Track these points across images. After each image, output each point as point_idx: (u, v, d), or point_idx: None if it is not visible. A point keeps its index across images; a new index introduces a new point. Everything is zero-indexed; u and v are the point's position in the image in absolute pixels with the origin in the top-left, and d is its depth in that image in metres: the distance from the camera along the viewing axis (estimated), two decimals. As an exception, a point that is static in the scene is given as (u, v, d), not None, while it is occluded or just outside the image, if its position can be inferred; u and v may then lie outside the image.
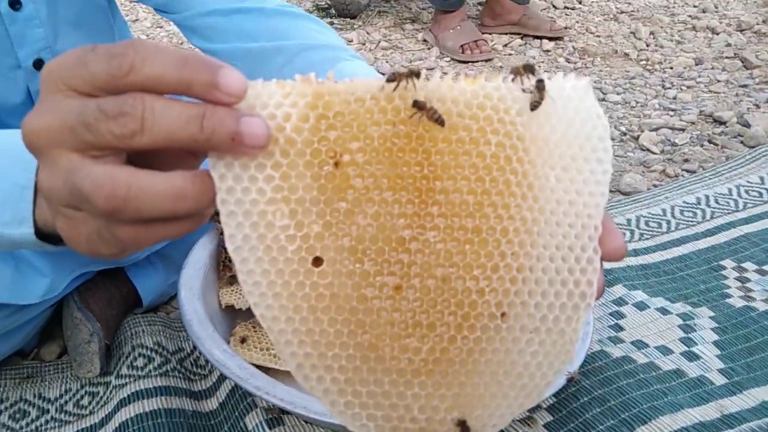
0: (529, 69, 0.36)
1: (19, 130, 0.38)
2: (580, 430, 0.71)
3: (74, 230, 0.34)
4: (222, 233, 0.81)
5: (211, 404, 0.77)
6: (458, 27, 2.25)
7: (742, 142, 1.47)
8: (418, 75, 0.35)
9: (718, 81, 1.93)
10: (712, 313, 0.89)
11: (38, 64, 0.75)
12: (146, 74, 0.31)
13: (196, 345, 0.67)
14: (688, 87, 1.90)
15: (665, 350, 0.82)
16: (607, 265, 0.99)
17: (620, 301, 0.91)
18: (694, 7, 2.95)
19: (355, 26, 2.52)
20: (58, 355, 0.88)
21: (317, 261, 0.34)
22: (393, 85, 0.35)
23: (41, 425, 0.76)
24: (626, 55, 2.24)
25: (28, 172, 0.38)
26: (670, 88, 1.90)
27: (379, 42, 2.34)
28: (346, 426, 0.36)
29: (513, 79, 0.36)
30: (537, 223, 0.36)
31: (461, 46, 2.18)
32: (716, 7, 2.91)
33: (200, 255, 0.82)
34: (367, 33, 2.44)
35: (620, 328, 0.86)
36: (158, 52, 0.31)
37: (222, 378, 0.79)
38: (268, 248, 0.34)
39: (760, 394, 0.75)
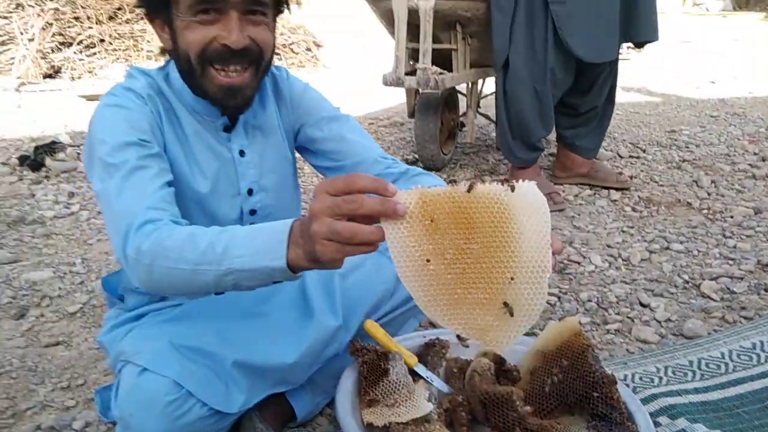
0: (507, 180, 0.81)
1: (264, 223, 0.83)
2: None
3: (326, 250, 0.74)
4: (361, 365, 1.09)
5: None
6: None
7: (796, 292, 1.65)
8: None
9: (776, 231, 2.12)
10: (763, 445, 1.06)
11: (249, 191, 1.15)
12: (360, 186, 0.74)
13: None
14: (747, 236, 2.10)
15: (722, 474, 1.00)
16: (671, 401, 1.18)
17: (683, 432, 1.10)
18: (755, 155, 3.18)
19: (440, 177, 2.90)
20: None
21: (428, 261, 0.79)
22: (466, 186, 0.80)
23: None
24: (689, 204, 2.47)
25: (284, 234, 0.80)
26: (730, 237, 2.10)
27: (463, 193, 2.69)
28: (442, 326, 0.82)
29: (501, 183, 0.81)
30: (522, 240, 0.80)
31: (536, 197, 2.48)
32: (776, 155, 3.13)
33: (347, 383, 1.09)
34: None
35: (684, 455, 1.05)
36: (364, 177, 0.75)
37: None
38: (407, 257, 0.78)
39: None
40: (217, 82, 1.01)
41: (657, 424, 1.12)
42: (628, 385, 1.24)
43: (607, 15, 2.31)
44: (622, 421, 1.04)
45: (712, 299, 1.66)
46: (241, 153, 1.13)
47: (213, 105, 1.07)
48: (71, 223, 2.38)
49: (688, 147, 3.38)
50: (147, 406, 0.92)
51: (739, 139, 3.52)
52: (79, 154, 3.26)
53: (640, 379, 1.28)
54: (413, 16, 2.65)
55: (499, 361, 1.20)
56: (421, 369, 1.18)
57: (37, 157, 3.17)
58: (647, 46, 2.72)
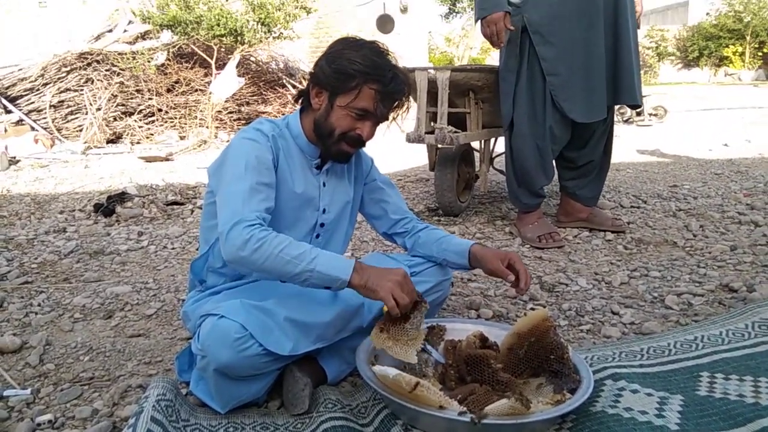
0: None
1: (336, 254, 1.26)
2: None
3: (379, 288, 1.32)
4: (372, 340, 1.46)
5: (370, 429, 1.35)
6: (536, 223, 2.94)
7: (744, 304, 1.95)
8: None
9: (745, 262, 2.43)
10: (683, 397, 1.37)
11: (324, 210, 1.62)
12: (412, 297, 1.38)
13: (361, 373, 1.29)
14: (719, 266, 2.41)
15: (643, 412, 1.31)
16: (617, 370, 1.50)
17: (621, 389, 1.42)
18: (746, 205, 3.48)
19: (457, 222, 3.28)
20: (278, 407, 1.50)
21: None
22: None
23: (276, 435, 1.37)
24: (675, 243, 2.79)
25: (352, 265, 1.31)
26: (703, 267, 2.41)
27: (475, 233, 3.06)
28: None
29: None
30: None
31: (538, 236, 2.85)
32: (766, 204, 3.43)
33: (364, 346, 1.46)
34: (466, 227, 3.18)
35: (618, 402, 1.37)
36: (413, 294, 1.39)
37: (376, 415, 1.38)
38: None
39: (701, 437, 1.23)
40: (345, 150, 1.52)
41: (603, 385, 1.44)
42: (586, 362, 1.56)
43: (596, 83, 2.72)
44: (569, 373, 1.38)
45: (672, 309, 1.98)
46: (324, 184, 1.62)
47: (332, 158, 1.57)
48: (142, 255, 2.84)
49: (686, 199, 3.70)
50: (220, 341, 1.29)
51: (735, 193, 3.83)
52: (144, 203, 3.77)
53: (598, 359, 1.61)
54: (432, 85, 3.12)
55: (483, 338, 1.56)
56: (424, 344, 1.53)
57: (110, 205, 3.69)
58: (671, 114, 3.13)
